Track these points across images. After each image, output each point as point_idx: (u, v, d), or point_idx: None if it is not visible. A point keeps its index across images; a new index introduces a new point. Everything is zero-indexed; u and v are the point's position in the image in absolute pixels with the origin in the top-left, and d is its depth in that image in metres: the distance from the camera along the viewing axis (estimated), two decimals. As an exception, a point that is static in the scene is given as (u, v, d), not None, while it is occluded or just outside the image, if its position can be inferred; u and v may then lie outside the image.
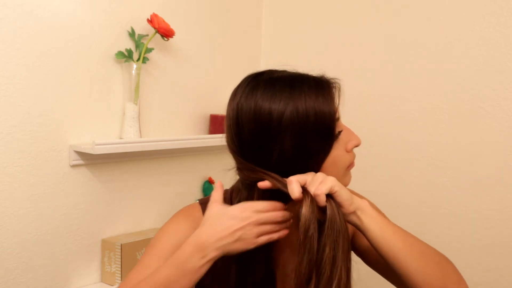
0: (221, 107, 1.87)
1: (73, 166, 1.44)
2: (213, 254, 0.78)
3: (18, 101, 1.31)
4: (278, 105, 0.79)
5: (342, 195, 0.78)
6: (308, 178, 0.79)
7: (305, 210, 0.76)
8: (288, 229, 0.83)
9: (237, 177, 0.90)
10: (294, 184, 0.77)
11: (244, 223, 0.78)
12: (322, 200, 0.76)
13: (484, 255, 1.50)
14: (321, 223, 0.77)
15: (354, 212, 0.79)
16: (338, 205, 0.78)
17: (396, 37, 1.66)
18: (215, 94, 1.85)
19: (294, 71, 0.87)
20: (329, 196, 0.77)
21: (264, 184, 0.80)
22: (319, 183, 0.77)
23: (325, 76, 0.86)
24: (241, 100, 0.83)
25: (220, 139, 1.69)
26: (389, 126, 1.68)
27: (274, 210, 0.81)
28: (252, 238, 0.79)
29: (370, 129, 1.71)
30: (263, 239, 0.80)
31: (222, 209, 0.81)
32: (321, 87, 0.82)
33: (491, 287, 1.49)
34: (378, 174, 1.70)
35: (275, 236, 0.81)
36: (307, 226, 0.76)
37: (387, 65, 1.68)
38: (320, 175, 0.79)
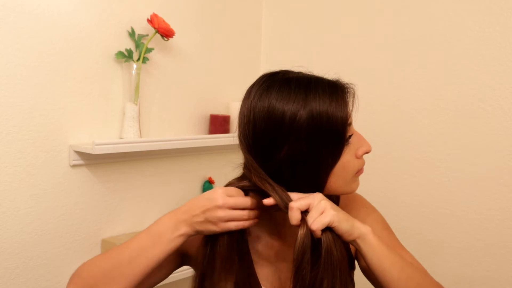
0: (221, 107, 1.87)
1: (73, 166, 1.44)
2: (184, 229, 0.83)
3: (18, 101, 1.32)
4: (291, 106, 0.80)
5: (341, 228, 0.79)
6: (312, 203, 0.80)
7: (300, 238, 0.79)
8: (257, 219, 0.86)
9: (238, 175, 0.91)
10: (294, 212, 0.79)
11: (211, 205, 0.82)
12: (317, 234, 0.79)
13: (484, 255, 1.50)
14: (316, 250, 0.79)
15: (354, 240, 0.81)
16: (336, 236, 0.80)
17: (396, 37, 1.66)
18: (215, 94, 1.85)
19: (309, 72, 0.87)
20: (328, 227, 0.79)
21: (268, 201, 0.82)
22: (318, 215, 0.78)
23: (341, 81, 0.86)
24: (255, 98, 0.84)
25: (220, 139, 1.71)
26: (389, 126, 1.68)
27: (244, 202, 0.84)
28: (220, 221, 0.82)
29: (370, 129, 1.71)
30: (231, 225, 0.83)
31: (206, 192, 0.86)
32: (335, 92, 0.83)
33: (491, 287, 1.49)
34: (378, 174, 1.70)
35: (244, 224, 0.84)
36: (300, 255, 0.79)
37: (387, 65, 1.68)
38: (323, 203, 0.80)
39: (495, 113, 1.47)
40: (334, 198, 1.00)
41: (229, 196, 0.83)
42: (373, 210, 1.01)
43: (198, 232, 0.85)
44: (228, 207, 0.83)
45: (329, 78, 0.86)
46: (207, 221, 0.83)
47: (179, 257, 0.96)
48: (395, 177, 1.67)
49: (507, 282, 1.46)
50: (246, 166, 0.88)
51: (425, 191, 1.61)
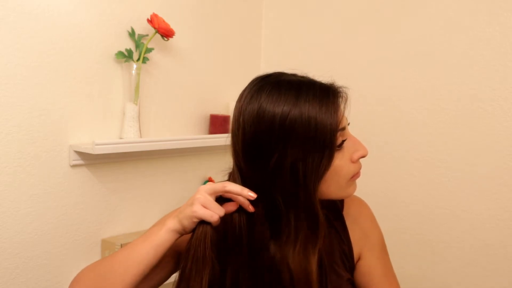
0: (221, 107, 1.87)
1: (73, 166, 1.44)
2: (171, 224, 0.83)
3: (18, 101, 1.31)
4: (281, 109, 0.79)
5: None
6: None
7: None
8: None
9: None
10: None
11: (195, 195, 0.83)
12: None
13: (484, 255, 1.50)
14: None
15: None
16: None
17: (396, 37, 1.66)
18: (215, 94, 1.85)
19: (304, 75, 0.86)
20: None
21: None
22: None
23: (334, 85, 0.84)
24: (245, 101, 0.82)
25: (220, 139, 1.71)
26: (389, 126, 1.68)
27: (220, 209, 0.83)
28: (198, 204, 0.82)
29: (370, 129, 1.71)
30: (201, 211, 0.81)
31: None
32: (326, 96, 0.81)
33: (491, 287, 1.49)
34: (378, 174, 1.70)
35: (213, 215, 0.82)
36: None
37: (387, 65, 1.68)
38: None
39: (495, 113, 1.47)
40: (338, 203, 0.99)
41: (212, 192, 0.83)
42: (377, 226, 1.01)
43: (184, 228, 0.83)
44: (209, 193, 0.82)
45: (322, 82, 0.85)
46: (190, 210, 0.82)
47: (175, 257, 0.95)
48: (395, 177, 1.67)
49: (507, 282, 1.46)
50: (231, 174, 0.88)
51: (425, 191, 1.61)
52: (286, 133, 0.79)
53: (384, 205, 1.68)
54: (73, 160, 1.43)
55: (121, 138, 1.53)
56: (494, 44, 1.46)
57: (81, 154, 1.44)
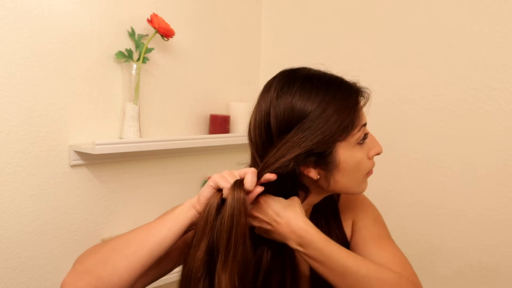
0: (221, 107, 1.87)
1: (73, 166, 1.44)
2: (190, 199, 0.86)
3: (18, 101, 1.32)
4: (312, 104, 0.82)
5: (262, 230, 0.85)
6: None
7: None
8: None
9: None
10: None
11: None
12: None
13: (484, 255, 1.50)
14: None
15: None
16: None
17: (396, 36, 1.66)
18: (215, 94, 1.85)
19: (328, 72, 0.90)
20: None
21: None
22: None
23: (357, 85, 0.89)
24: (275, 93, 0.85)
25: (220, 139, 1.71)
26: (389, 126, 1.68)
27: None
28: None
29: (370, 128, 1.70)
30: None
31: None
32: (349, 96, 0.86)
33: (491, 286, 1.49)
34: (378, 174, 1.69)
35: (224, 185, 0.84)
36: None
37: (387, 65, 1.68)
38: (269, 210, 0.84)
39: (495, 113, 1.47)
40: (335, 196, 1.01)
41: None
42: (369, 206, 1.02)
43: (200, 201, 0.84)
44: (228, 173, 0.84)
45: (347, 80, 0.89)
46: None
47: (185, 246, 0.95)
48: (395, 177, 1.67)
49: (507, 282, 1.46)
50: (252, 166, 0.89)
51: (425, 191, 1.61)
52: (312, 124, 0.82)
53: (384, 205, 1.67)
54: (73, 160, 1.43)
55: (121, 138, 1.53)
56: (494, 44, 1.46)
57: (81, 154, 1.44)
